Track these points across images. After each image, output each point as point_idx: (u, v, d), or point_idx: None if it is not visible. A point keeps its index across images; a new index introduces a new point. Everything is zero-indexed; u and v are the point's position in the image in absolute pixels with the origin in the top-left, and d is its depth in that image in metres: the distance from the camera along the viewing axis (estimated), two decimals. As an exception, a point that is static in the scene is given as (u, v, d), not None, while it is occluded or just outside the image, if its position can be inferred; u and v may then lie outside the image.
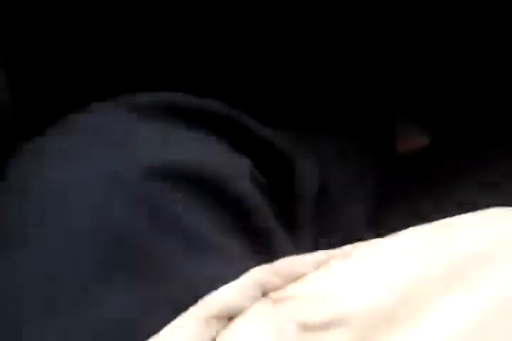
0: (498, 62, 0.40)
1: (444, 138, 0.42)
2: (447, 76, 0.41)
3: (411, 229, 0.27)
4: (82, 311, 0.23)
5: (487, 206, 0.27)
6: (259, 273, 0.23)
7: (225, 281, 0.22)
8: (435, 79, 0.41)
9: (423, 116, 0.43)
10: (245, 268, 0.23)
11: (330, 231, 0.34)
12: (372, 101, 0.41)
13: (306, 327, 0.21)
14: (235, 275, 0.23)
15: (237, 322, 0.21)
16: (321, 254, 0.25)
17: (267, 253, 0.28)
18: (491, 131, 0.41)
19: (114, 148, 0.28)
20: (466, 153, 0.40)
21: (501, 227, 0.25)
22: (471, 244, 0.24)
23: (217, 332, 0.20)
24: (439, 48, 0.40)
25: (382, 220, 0.36)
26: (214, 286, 0.22)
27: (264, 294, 0.23)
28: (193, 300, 0.21)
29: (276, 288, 0.23)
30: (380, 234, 0.26)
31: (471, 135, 0.41)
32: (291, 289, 0.23)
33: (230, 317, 0.21)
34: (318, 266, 0.24)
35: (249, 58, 0.38)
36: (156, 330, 0.20)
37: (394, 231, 0.26)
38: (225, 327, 0.21)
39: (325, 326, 0.21)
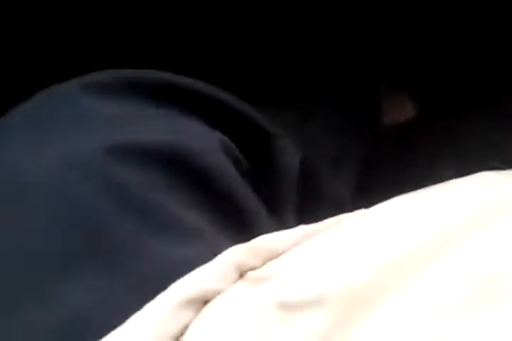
0: (488, 29, 0.39)
1: (431, 108, 0.41)
2: (435, 43, 0.40)
3: (396, 198, 0.26)
4: (42, 308, 0.22)
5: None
6: (235, 253, 0.22)
7: (198, 263, 0.21)
8: (423, 46, 0.40)
9: (410, 84, 0.42)
10: (220, 249, 0.22)
11: (313, 206, 0.33)
12: (358, 70, 0.40)
13: (285, 307, 0.20)
14: (209, 257, 0.21)
15: (211, 306, 0.20)
16: (301, 230, 0.24)
17: (246, 231, 0.27)
18: (480, 100, 0.40)
19: (74, 128, 0.26)
20: (453, 123, 0.39)
21: (492, 191, 0.24)
22: (461, 210, 0.23)
23: (191, 318, 0.20)
24: (428, 16, 0.39)
25: (367, 192, 0.35)
26: (186, 269, 0.21)
27: (242, 275, 0.22)
28: (163, 286, 0.20)
29: (254, 268, 0.22)
30: (366, 205, 0.25)
31: (458, 105, 0.40)
32: (270, 268, 0.22)
33: (205, 302, 0.20)
34: (298, 242, 0.24)
35: (226, 28, 0.37)
36: (122, 322, 0.19)
37: (380, 201, 0.25)
38: (199, 312, 0.20)
39: (304, 305, 0.20)
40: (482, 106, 0.39)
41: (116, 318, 0.19)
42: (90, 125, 0.27)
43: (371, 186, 0.36)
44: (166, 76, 0.30)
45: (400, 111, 0.41)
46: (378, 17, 0.39)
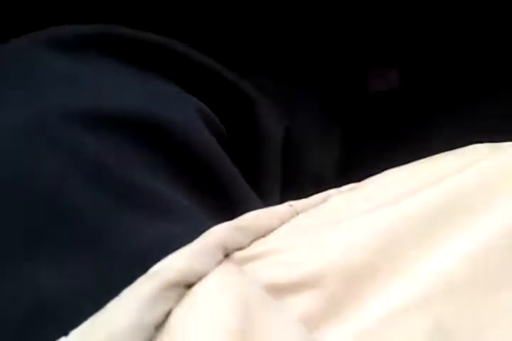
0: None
1: (415, 79, 0.40)
2: (419, 16, 0.38)
3: (386, 172, 0.25)
4: (2, 290, 0.20)
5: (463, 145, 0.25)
6: (220, 232, 0.20)
7: (179, 243, 0.19)
8: (408, 17, 0.39)
9: (395, 54, 0.40)
10: (203, 227, 0.20)
11: (298, 179, 0.31)
12: (344, 40, 0.38)
13: (275, 290, 0.19)
14: (191, 236, 0.20)
15: (195, 289, 0.18)
16: (289, 206, 0.23)
17: (230, 207, 0.25)
18: (466, 73, 0.39)
19: (32, 91, 0.24)
20: (438, 94, 0.38)
21: (488, 162, 0.23)
22: (456, 185, 0.22)
23: (173, 304, 0.18)
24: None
25: (354, 164, 0.33)
26: (166, 250, 0.19)
27: (227, 255, 0.20)
28: (142, 269, 0.18)
29: (240, 248, 0.20)
30: (352, 180, 0.24)
31: (443, 77, 0.39)
32: (257, 247, 0.21)
33: (189, 285, 0.19)
34: (286, 219, 0.22)
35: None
36: (95, 310, 0.17)
37: (367, 175, 0.24)
38: (182, 296, 0.18)
39: (296, 287, 0.19)
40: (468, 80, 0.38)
41: (90, 305, 0.17)
42: (51, 86, 0.24)
43: (357, 158, 0.34)
44: (138, 34, 0.27)
45: (386, 81, 0.39)
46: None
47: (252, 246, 0.21)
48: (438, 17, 0.38)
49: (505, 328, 0.18)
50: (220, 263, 0.20)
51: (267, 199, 0.28)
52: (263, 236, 0.21)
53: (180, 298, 0.18)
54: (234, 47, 0.32)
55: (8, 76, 0.25)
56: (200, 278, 0.19)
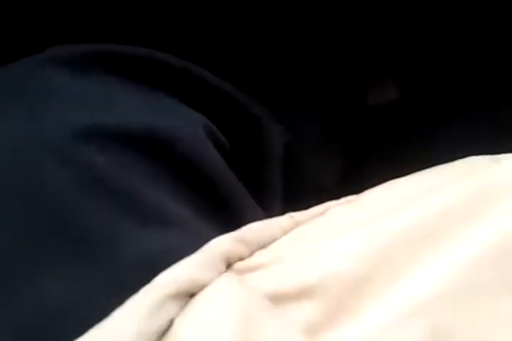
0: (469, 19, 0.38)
1: (414, 91, 0.40)
2: (418, 28, 0.39)
3: (385, 184, 0.25)
4: (6, 299, 0.20)
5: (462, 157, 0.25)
6: (222, 243, 0.21)
7: (182, 254, 0.20)
8: (407, 31, 0.39)
9: (394, 67, 0.41)
10: (206, 238, 0.21)
11: (299, 190, 0.31)
12: (343, 54, 0.39)
13: (276, 299, 0.19)
14: (194, 247, 0.20)
15: (197, 299, 0.19)
16: (290, 218, 0.23)
17: (232, 219, 0.25)
18: (463, 84, 0.39)
19: (36, 109, 0.24)
20: (437, 106, 0.38)
21: (485, 174, 0.23)
22: (454, 197, 0.22)
23: (176, 313, 0.18)
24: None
25: (353, 177, 0.34)
26: (170, 260, 0.19)
27: (229, 265, 0.21)
28: (146, 278, 0.19)
29: (242, 258, 0.21)
30: (351, 192, 0.24)
31: (442, 88, 0.39)
32: (258, 257, 0.21)
33: (191, 295, 0.19)
34: (288, 230, 0.23)
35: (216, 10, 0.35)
36: (98, 319, 0.18)
37: (366, 186, 0.24)
38: (185, 305, 0.19)
39: (296, 296, 0.19)
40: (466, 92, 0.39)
41: (95, 314, 0.18)
42: (58, 104, 0.25)
43: (358, 169, 0.35)
44: (144, 52, 0.28)
45: (385, 93, 0.40)
46: (364, 5, 0.37)
47: (254, 256, 0.21)
48: (436, 29, 0.38)
49: (503, 332, 0.19)
50: (222, 273, 0.20)
51: (268, 210, 0.28)
52: (264, 246, 0.22)
53: (182, 307, 0.19)
54: (237, 64, 0.33)
55: (12, 95, 0.25)
56: (202, 288, 0.19)
